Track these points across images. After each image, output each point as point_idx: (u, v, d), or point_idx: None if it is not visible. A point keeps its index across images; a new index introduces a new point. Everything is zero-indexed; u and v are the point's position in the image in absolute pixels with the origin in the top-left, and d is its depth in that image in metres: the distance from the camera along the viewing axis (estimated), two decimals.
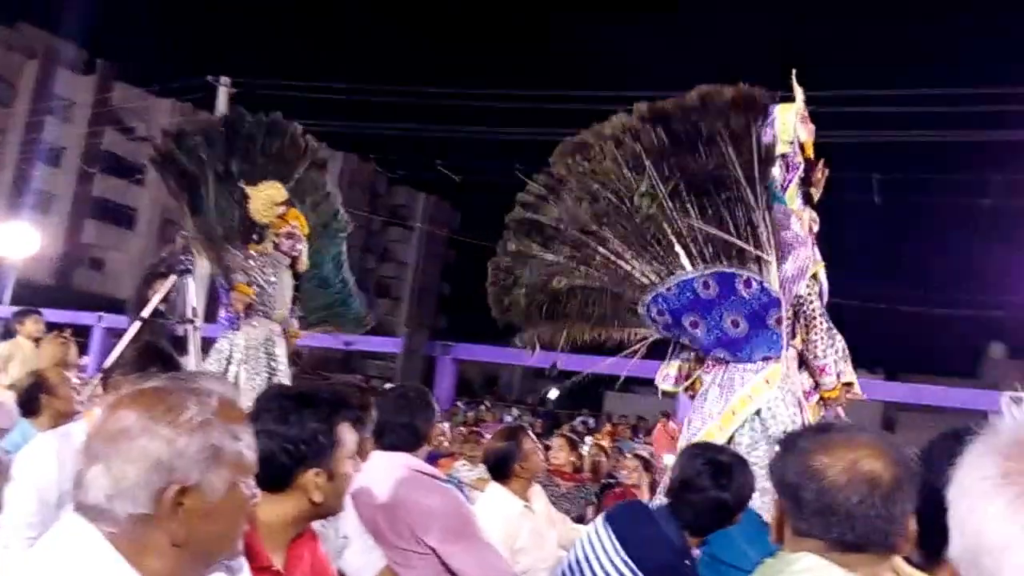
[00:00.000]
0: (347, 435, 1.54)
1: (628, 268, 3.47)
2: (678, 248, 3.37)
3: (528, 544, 2.75)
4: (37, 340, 5.40)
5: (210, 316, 5.59)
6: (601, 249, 3.52)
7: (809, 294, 3.42)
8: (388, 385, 7.33)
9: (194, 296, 4.25)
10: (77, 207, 30.60)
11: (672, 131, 3.37)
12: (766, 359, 3.32)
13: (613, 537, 2.13)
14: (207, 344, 4.52)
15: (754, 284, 3.25)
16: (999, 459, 0.61)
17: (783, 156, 3.44)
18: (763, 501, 2.46)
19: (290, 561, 1.49)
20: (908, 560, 1.22)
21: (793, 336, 3.41)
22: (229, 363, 4.38)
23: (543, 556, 2.81)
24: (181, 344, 3.98)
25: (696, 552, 2.21)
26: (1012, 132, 12.03)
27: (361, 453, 1.82)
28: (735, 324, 3.32)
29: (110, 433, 0.96)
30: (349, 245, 5.53)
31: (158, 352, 2.36)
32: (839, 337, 3.45)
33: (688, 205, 3.35)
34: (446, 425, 8.29)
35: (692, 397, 3.64)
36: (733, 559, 2.17)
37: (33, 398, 3.22)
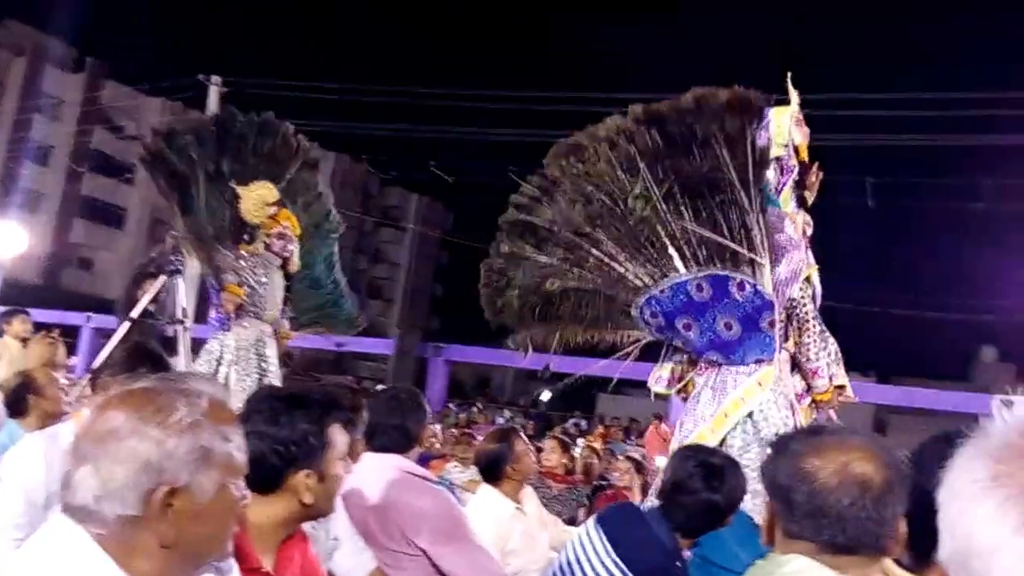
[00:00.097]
0: (338, 436, 1.54)
1: (621, 270, 3.47)
2: (671, 250, 3.37)
3: (519, 546, 2.75)
4: (24, 340, 5.34)
5: (200, 317, 5.55)
6: (595, 251, 3.53)
7: (802, 297, 3.44)
8: (380, 387, 7.31)
9: (184, 297, 4.22)
10: (66, 206, 30.37)
11: (667, 133, 3.37)
12: (759, 362, 3.33)
13: (604, 539, 2.13)
14: (197, 345, 4.50)
15: (747, 287, 3.26)
16: (989, 462, 0.61)
17: (777, 159, 3.46)
18: (755, 503, 2.47)
19: (280, 563, 1.48)
20: (898, 562, 1.23)
21: (786, 339, 3.43)
22: (219, 364, 4.36)
23: (534, 558, 2.81)
24: (171, 345, 3.96)
25: (687, 554, 2.21)
26: (1003, 136, 12.15)
27: (352, 454, 1.81)
28: (728, 327, 3.33)
29: (98, 434, 0.96)
30: (341, 246, 5.52)
31: (147, 353, 2.34)
32: (831, 340, 3.47)
33: (682, 207, 3.35)
34: (438, 427, 8.27)
35: (685, 399, 3.65)
36: (724, 561, 2.18)
37: (20, 399, 3.19)
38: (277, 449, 1.46)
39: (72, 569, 0.93)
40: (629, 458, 5.57)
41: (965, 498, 0.61)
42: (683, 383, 3.65)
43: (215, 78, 14.99)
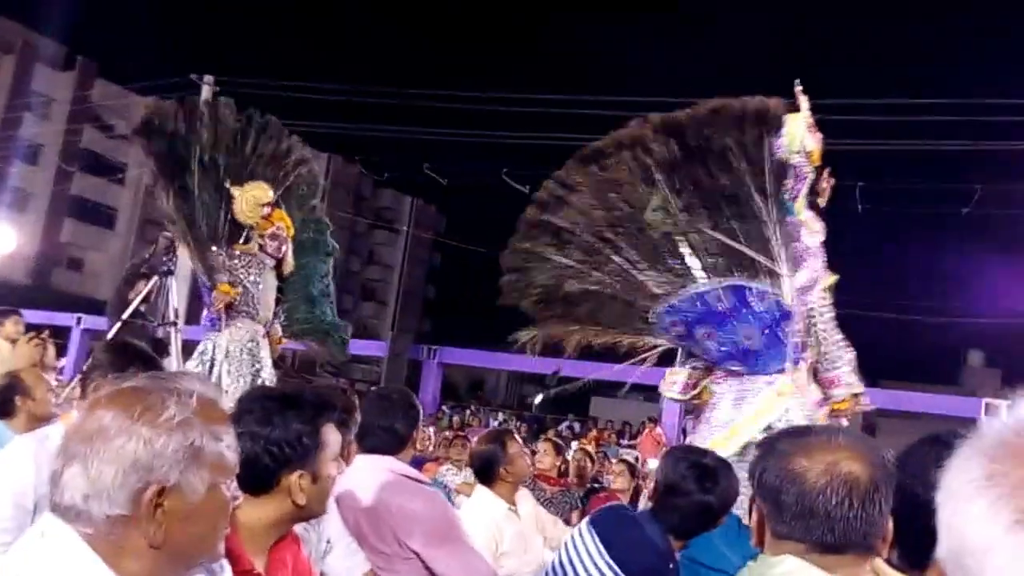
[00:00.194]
0: (331, 437, 1.53)
1: (641, 277, 3.47)
2: (691, 260, 3.37)
3: (512, 548, 2.74)
4: (15, 342, 5.29)
5: (192, 317, 5.52)
6: (615, 257, 3.52)
7: (822, 306, 3.43)
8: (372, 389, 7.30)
9: (176, 298, 4.20)
10: (55, 205, 30.13)
11: (685, 143, 3.36)
12: (779, 371, 3.32)
13: (597, 540, 2.12)
14: (189, 346, 4.47)
15: (767, 297, 3.26)
16: (984, 461, 0.61)
17: (792, 166, 3.44)
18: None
19: (272, 564, 1.47)
20: (888, 561, 1.23)
21: (805, 348, 3.42)
22: (212, 364, 4.34)
23: (527, 560, 2.80)
24: (162, 346, 3.94)
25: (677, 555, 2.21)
26: (993, 142, 12.27)
27: (345, 456, 1.80)
28: (748, 337, 3.33)
29: (87, 433, 0.95)
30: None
31: (138, 353, 2.32)
32: (848, 349, 3.47)
33: (700, 218, 3.35)
34: (431, 429, 8.25)
35: (695, 407, 3.65)
36: (713, 562, 2.18)
37: (8, 400, 3.16)
38: (270, 449, 1.45)
39: (61, 569, 0.92)
40: (623, 461, 5.58)
41: (960, 498, 0.62)
42: (698, 390, 3.63)
43: (207, 77, 14.92)
